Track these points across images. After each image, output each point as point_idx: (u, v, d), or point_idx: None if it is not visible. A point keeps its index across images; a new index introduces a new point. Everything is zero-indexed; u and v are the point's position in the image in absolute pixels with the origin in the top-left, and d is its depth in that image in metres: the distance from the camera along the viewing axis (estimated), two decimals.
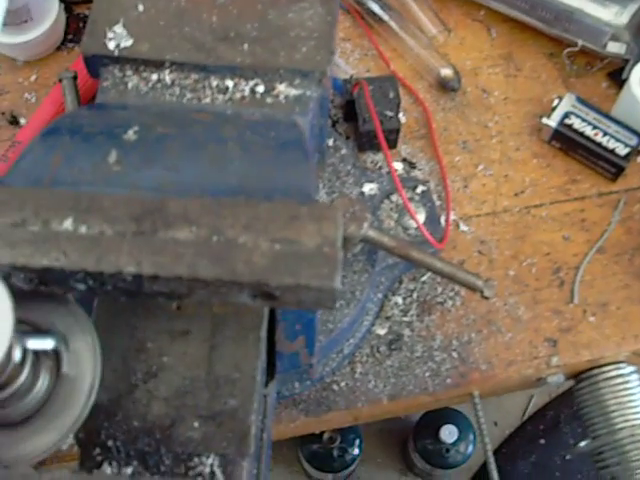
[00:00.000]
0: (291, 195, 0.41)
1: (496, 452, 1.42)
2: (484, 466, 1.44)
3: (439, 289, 0.72)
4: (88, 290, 0.40)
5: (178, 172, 0.42)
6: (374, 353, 0.69)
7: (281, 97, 0.52)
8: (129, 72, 0.52)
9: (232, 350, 0.48)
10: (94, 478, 0.34)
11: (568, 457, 1.43)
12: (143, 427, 0.46)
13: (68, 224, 0.39)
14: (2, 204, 0.39)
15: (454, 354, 0.69)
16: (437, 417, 1.36)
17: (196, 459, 0.46)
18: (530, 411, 1.64)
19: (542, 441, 1.49)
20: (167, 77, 0.52)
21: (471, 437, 1.40)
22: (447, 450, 1.38)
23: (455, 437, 1.35)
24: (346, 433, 1.34)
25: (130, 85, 0.52)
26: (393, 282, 0.71)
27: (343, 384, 0.67)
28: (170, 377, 0.47)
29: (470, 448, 1.38)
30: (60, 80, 0.65)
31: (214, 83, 0.52)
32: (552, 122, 0.77)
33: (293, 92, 0.52)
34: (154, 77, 0.52)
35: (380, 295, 0.69)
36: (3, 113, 0.78)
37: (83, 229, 0.39)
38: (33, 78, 0.79)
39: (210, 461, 0.46)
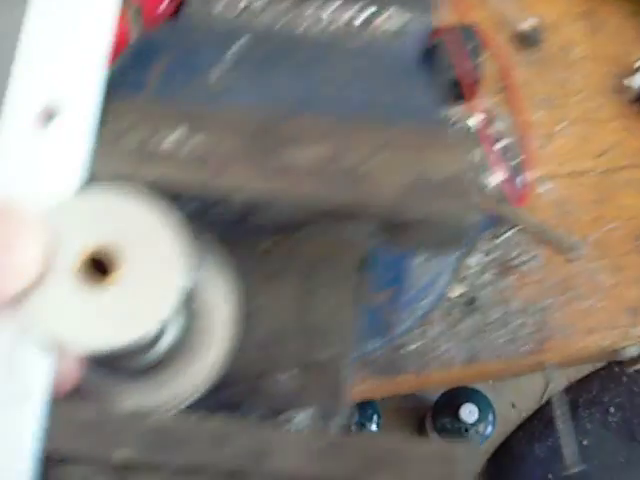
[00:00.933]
0: (417, 121, 0.36)
1: (513, 434, 1.39)
2: (501, 449, 1.41)
3: (515, 251, 0.68)
4: (190, 216, 0.35)
5: (288, 92, 0.38)
6: (447, 315, 0.65)
7: (379, 30, 0.47)
8: None
9: (328, 296, 0.44)
10: (201, 422, 0.30)
11: (585, 443, 1.40)
12: (230, 375, 0.42)
13: (174, 138, 0.35)
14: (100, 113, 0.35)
15: (530, 320, 0.65)
16: (457, 396, 1.32)
17: (288, 413, 0.42)
18: (548, 394, 1.61)
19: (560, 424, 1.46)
20: (257, 3, 0.47)
21: (490, 418, 1.36)
22: (466, 430, 1.34)
23: (475, 417, 1.31)
24: (364, 409, 1.31)
25: (216, 10, 0.47)
26: (469, 241, 0.67)
27: (414, 347, 0.63)
28: (260, 323, 0.43)
29: (489, 429, 1.34)
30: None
31: (308, 11, 0.47)
32: (635, 83, 0.73)
33: (393, 25, 0.48)
34: (242, 3, 0.48)
35: (455, 255, 0.65)
36: None
37: (192, 144, 0.35)
38: None
39: (303, 415, 0.42)
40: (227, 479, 0.30)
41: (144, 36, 0.41)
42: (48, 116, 0.33)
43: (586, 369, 1.40)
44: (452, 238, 0.36)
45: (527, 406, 1.59)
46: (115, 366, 0.36)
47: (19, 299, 0.29)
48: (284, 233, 0.36)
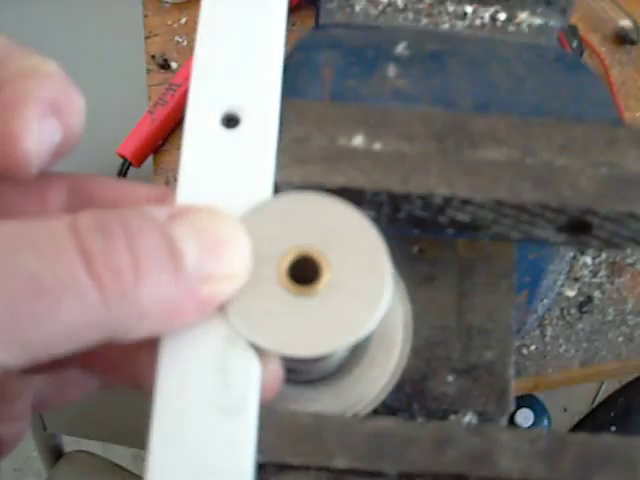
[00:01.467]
0: (596, 118, 0.36)
1: None
2: None
3: (629, 250, 0.66)
4: (373, 219, 0.35)
5: (464, 88, 0.37)
6: (564, 316, 0.64)
7: (524, 26, 0.47)
8: None
9: (484, 298, 0.43)
10: (421, 426, 0.30)
11: None
12: None
13: (359, 140, 0.34)
14: (280, 117, 0.35)
15: None
16: None
17: (452, 416, 0.42)
18: (600, 397, 1.60)
19: (612, 428, 1.45)
20: (399, 0, 0.47)
21: (545, 422, 1.35)
22: None
23: (531, 421, 1.31)
24: None
25: (358, 8, 0.47)
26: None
27: (533, 347, 0.63)
28: (418, 326, 0.43)
29: None
30: None
31: (451, 8, 0.47)
32: None
33: (536, 21, 0.47)
34: (384, 0, 0.47)
35: (571, 254, 0.64)
36: (153, 56, 0.73)
37: (378, 146, 0.34)
38: (183, 20, 0.75)
39: (467, 419, 0.42)
40: None
41: (306, 37, 0.40)
42: (231, 121, 0.32)
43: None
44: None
45: (579, 410, 1.57)
46: (297, 375, 0.36)
47: (228, 305, 0.29)
48: (472, 230, 0.35)
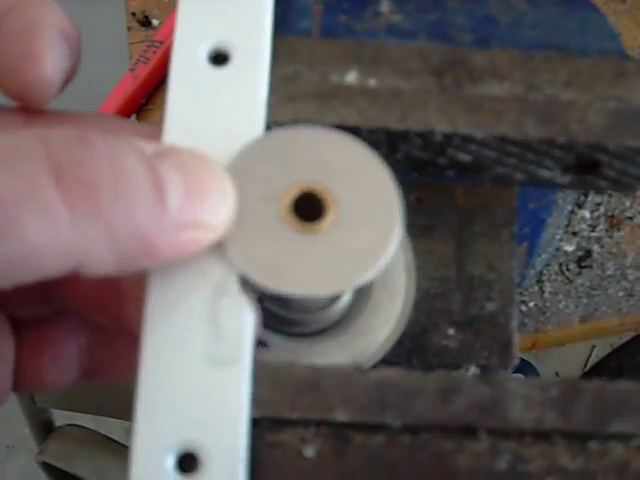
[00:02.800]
0: (602, 52, 0.34)
1: None
2: None
3: (627, 203, 0.65)
4: None
5: (463, 22, 0.36)
6: (563, 271, 0.62)
7: None
8: None
9: (484, 248, 0.42)
10: (430, 376, 0.28)
11: None
12: None
13: (352, 77, 0.32)
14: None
15: None
16: None
17: (454, 371, 0.40)
18: (592, 362, 1.60)
19: None
20: None
21: None
22: None
23: None
24: None
25: None
26: (579, 193, 0.64)
27: (532, 304, 0.61)
28: (417, 278, 0.41)
29: None
30: None
31: None
32: None
33: None
34: None
35: (569, 207, 0.63)
36: (134, 14, 0.71)
37: (372, 82, 0.32)
38: None
39: (470, 373, 0.40)
40: (456, 435, 0.28)
41: None
42: (219, 58, 0.31)
43: (629, 335, 1.38)
44: None
45: (571, 374, 1.58)
46: (299, 327, 0.34)
47: (228, 247, 0.27)
48: (473, 172, 0.34)
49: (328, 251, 0.27)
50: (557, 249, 0.62)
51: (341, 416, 0.28)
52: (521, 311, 0.61)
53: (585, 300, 0.61)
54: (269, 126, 0.31)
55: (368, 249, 0.27)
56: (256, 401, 0.27)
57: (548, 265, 0.62)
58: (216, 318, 0.27)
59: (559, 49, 0.35)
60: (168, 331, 0.27)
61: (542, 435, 0.28)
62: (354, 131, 0.31)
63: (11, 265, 0.23)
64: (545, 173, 0.34)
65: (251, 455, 0.27)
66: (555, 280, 0.62)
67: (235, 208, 0.27)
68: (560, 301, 0.61)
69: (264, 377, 0.28)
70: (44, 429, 1.13)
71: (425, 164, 0.33)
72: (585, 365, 1.70)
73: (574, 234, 0.63)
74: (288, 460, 0.27)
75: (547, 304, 0.61)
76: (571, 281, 0.62)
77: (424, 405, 0.28)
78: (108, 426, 1.23)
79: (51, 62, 0.27)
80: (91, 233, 0.23)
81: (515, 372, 1.30)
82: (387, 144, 0.32)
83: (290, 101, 0.32)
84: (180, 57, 0.30)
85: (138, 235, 0.24)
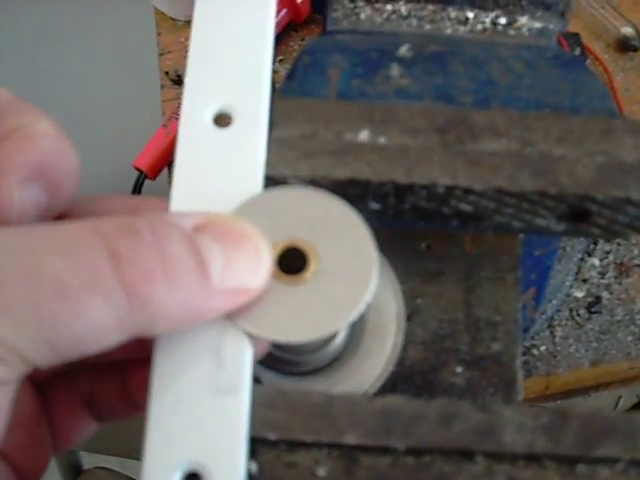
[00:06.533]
0: (593, 111, 0.37)
1: None
2: None
3: (635, 250, 0.68)
4: (378, 212, 0.37)
5: (465, 85, 0.39)
6: (574, 316, 0.65)
7: (524, 30, 0.48)
8: (361, 3, 0.49)
9: (490, 292, 0.45)
10: (432, 404, 0.31)
11: None
12: (401, 373, 0.43)
13: (364, 136, 0.36)
14: (288, 115, 0.36)
15: None
16: None
17: None
18: (619, 411, 1.58)
19: None
20: (402, 8, 0.49)
21: None
22: None
23: None
24: None
25: (363, 16, 0.49)
26: (589, 242, 0.67)
27: (543, 348, 0.64)
28: (426, 320, 0.44)
29: None
30: None
31: (453, 14, 0.49)
32: None
33: (536, 25, 0.49)
34: (389, 8, 0.49)
35: (578, 255, 0.66)
36: (167, 73, 0.75)
37: (382, 140, 0.36)
38: None
39: None
40: (456, 458, 0.31)
41: (314, 42, 0.42)
42: (223, 120, 0.34)
43: None
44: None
45: None
46: (293, 367, 0.37)
47: None
48: (475, 221, 0.37)
49: (308, 300, 0.30)
50: (567, 295, 0.65)
51: (350, 439, 0.30)
52: (533, 355, 0.63)
53: (595, 344, 0.64)
54: (287, 180, 0.34)
55: (345, 299, 0.30)
56: (274, 424, 0.30)
57: (559, 311, 0.64)
58: (219, 351, 0.30)
59: (553, 108, 0.38)
60: (176, 362, 0.30)
61: (534, 458, 0.30)
62: (365, 184, 0.35)
63: (80, 342, 0.26)
64: (541, 222, 0.37)
65: (269, 474, 0.30)
66: (566, 325, 0.64)
67: (271, 265, 0.30)
68: (571, 345, 0.64)
69: (281, 403, 0.31)
70: (73, 472, 1.16)
71: (430, 214, 0.36)
72: None
73: (584, 281, 0.66)
74: (303, 478, 0.30)
75: (558, 348, 0.63)
76: (581, 326, 0.64)
77: (426, 430, 0.31)
78: (134, 470, 1.25)
79: (11, 204, 0.29)
80: (147, 312, 0.27)
81: None
82: (395, 195, 0.35)
83: (307, 157, 0.35)
84: (187, 119, 0.33)
85: (188, 308, 0.28)
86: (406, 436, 0.31)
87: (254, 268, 0.29)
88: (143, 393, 0.35)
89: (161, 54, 0.75)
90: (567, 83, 0.40)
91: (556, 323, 0.64)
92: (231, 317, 0.30)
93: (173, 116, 0.70)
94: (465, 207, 0.36)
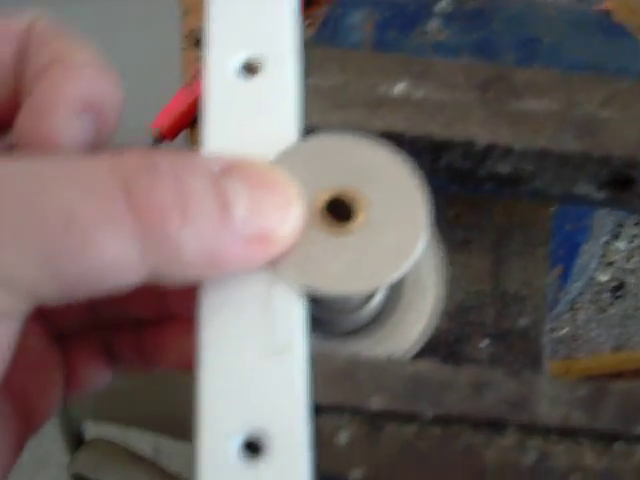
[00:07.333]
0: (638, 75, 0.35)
1: None
2: None
3: None
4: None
5: (506, 43, 0.37)
6: (597, 300, 0.63)
7: None
8: None
9: (519, 265, 0.43)
10: (463, 371, 0.29)
11: None
12: (424, 343, 0.41)
13: (400, 89, 0.34)
14: (320, 65, 0.35)
15: None
16: None
17: None
18: None
19: None
20: None
21: None
22: None
23: None
24: None
25: None
26: (615, 225, 0.65)
27: (564, 331, 0.62)
28: (452, 290, 0.42)
29: None
30: None
31: None
32: None
33: None
34: None
35: (604, 237, 0.64)
36: (188, 34, 0.73)
37: (419, 94, 0.34)
38: None
39: None
40: (485, 429, 0.29)
41: None
42: (250, 69, 0.32)
43: None
44: None
45: None
46: (331, 327, 0.36)
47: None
48: (511, 185, 0.35)
49: (359, 251, 0.29)
50: (591, 278, 0.63)
51: (375, 404, 0.29)
52: (553, 338, 0.61)
53: (618, 330, 0.62)
54: (316, 131, 0.32)
55: (399, 247, 0.29)
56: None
57: (582, 293, 0.63)
58: (269, 307, 0.28)
59: (597, 71, 0.36)
60: (224, 321, 0.28)
61: (568, 433, 0.29)
62: (399, 138, 0.33)
63: (88, 279, 0.25)
64: (581, 188, 0.35)
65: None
66: (588, 308, 0.63)
67: (302, 217, 0.28)
68: (592, 329, 0.62)
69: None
70: (76, 441, 1.15)
71: (465, 175, 0.35)
72: None
73: (609, 264, 0.64)
74: (323, 444, 0.29)
75: (579, 331, 0.62)
76: (604, 310, 0.63)
77: (456, 398, 0.29)
78: (136, 444, 1.24)
79: (62, 139, 0.28)
80: (161, 253, 0.25)
81: None
82: (430, 152, 0.33)
83: (340, 108, 0.33)
84: (213, 69, 0.31)
85: (206, 251, 0.26)
86: (434, 404, 0.29)
87: (282, 215, 0.27)
88: (158, 352, 0.34)
89: (183, 15, 0.73)
90: (611, 46, 0.38)
91: (578, 306, 0.63)
92: (278, 271, 0.28)
93: (196, 77, 0.69)
94: (503, 169, 0.34)
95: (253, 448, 0.27)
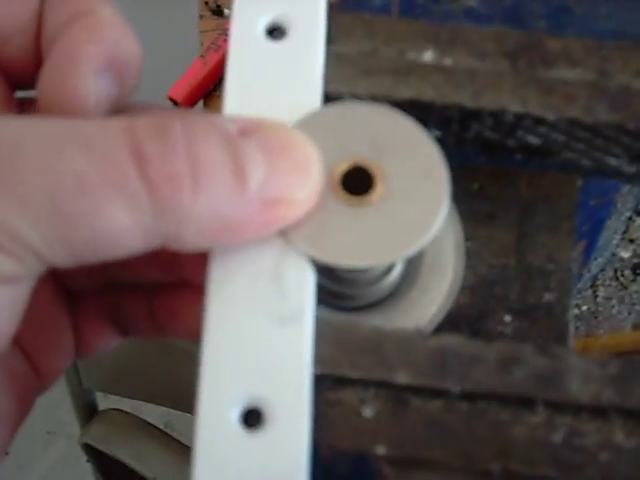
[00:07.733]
0: None
1: None
2: None
3: None
4: (439, 140, 0.34)
5: (538, 10, 0.36)
6: (618, 277, 0.62)
7: None
8: None
9: (544, 239, 0.42)
10: (491, 346, 0.29)
11: None
12: (447, 317, 0.40)
13: (429, 56, 0.33)
14: (347, 30, 0.34)
15: None
16: None
17: None
18: None
19: None
20: None
21: None
22: None
23: None
24: None
25: None
26: (638, 201, 0.64)
27: (585, 308, 0.61)
28: (476, 264, 0.42)
29: None
30: None
31: None
32: None
33: None
34: None
35: (627, 214, 0.63)
36: (206, 2, 0.72)
37: (448, 62, 0.33)
38: None
39: None
40: (514, 406, 0.28)
41: None
42: (277, 32, 0.31)
43: None
44: None
45: None
46: (347, 301, 0.35)
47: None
48: (540, 156, 0.34)
49: (377, 223, 0.28)
50: (613, 254, 0.62)
51: (401, 378, 0.28)
52: (574, 314, 0.61)
53: (638, 307, 0.61)
54: (343, 98, 0.31)
55: (417, 221, 0.28)
56: (319, 358, 0.28)
57: (603, 270, 0.62)
58: (279, 276, 0.28)
59: (631, 40, 0.35)
60: (233, 288, 0.27)
61: (599, 411, 0.28)
62: (428, 107, 0.32)
63: (99, 244, 0.24)
64: (612, 161, 0.34)
65: (310, 412, 0.27)
66: (609, 285, 0.62)
67: (321, 182, 0.28)
68: (613, 306, 0.61)
69: (328, 335, 0.28)
70: (88, 412, 1.15)
71: (494, 145, 0.34)
72: None
73: (631, 241, 0.63)
74: (347, 419, 0.28)
75: (600, 309, 0.61)
76: (625, 287, 0.62)
77: (484, 373, 0.28)
78: (147, 417, 1.24)
79: (87, 96, 0.27)
80: (173, 219, 0.25)
81: None
82: (459, 121, 0.33)
83: (367, 75, 0.32)
84: (239, 31, 0.31)
85: (220, 217, 0.25)
86: (462, 379, 0.28)
87: (301, 180, 0.27)
88: (168, 319, 0.33)
89: None
90: None
91: (599, 283, 0.62)
92: (291, 240, 0.28)
93: (211, 46, 0.68)
94: (533, 139, 0.33)
95: (255, 417, 0.26)
